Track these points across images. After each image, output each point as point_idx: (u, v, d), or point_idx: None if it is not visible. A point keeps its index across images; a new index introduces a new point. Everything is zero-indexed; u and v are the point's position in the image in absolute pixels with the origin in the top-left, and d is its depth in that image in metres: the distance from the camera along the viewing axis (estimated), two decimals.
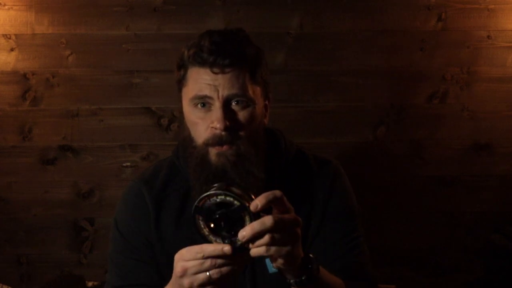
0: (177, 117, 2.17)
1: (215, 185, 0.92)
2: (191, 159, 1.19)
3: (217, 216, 0.90)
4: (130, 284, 1.22)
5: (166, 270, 1.22)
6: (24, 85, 2.18)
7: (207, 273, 0.91)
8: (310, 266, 1.01)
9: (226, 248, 0.90)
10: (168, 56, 2.14)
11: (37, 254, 2.21)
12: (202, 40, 1.15)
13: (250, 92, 1.15)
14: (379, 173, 2.23)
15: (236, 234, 0.89)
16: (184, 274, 0.93)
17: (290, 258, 0.95)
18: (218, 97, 1.13)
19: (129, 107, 2.20)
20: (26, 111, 2.18)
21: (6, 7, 2.16)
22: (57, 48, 2.17)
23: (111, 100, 2.19)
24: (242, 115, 1.15)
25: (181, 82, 1.20)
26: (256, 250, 0.91)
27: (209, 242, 0.92)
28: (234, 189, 0.91)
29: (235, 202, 0.89)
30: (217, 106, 1.13)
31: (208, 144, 1.15)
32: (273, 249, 0.91)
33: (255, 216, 0.89)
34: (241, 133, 1.15)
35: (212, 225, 0.91)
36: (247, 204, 0.89)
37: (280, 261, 0.95)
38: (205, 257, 0.91)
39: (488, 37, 2.21)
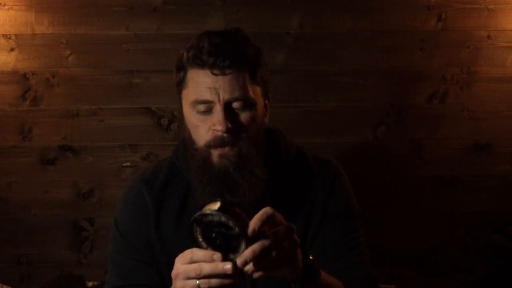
0: (177, 117, 2.17)
1: (218, 200, 0.91)
2: (192, 161, 1.19)
3: (214, 233, 0.90)
4: (130, 284, 1.22)
5: (166, 270, 1.21)
6: (24, 85, 2.18)
7: (197, 282, 0.90)
8: (310, 268, 1.01)
9: (227, 267, 0.88)
10: (168, 56, 2.14)
11: (37, 254, 2.21)
12: (200, 41, 1.15)
13: (251, 93, 1.15)
14: (379, 173, 2.23)
15: (230, 251, 0.89)
16: (176, 276, 0.93)
17: (291, 266, 0.95)
18: (219, 100, 1.13)
19: (129, 107, 2.20)
20: (26, 111, 2.18)
21: (6, 7, 2.16)
22: (57, 48, 2.17)
23: (111, 100, 2.19)
24: (243, 116, 1.15)
25: (180, 84, 1.19)
26: (258, 274, 0.91)
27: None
28: (236, 211, 0.90)
29: (236, 228, 0.88)
30: (218, 108, 1.13)
31: (210, 146, 1.15)
32: (275, 266, 0.92)
33: (251, 240, 0.89)
34: (243, 134, 1.15)
35: (208, 238, 0.91)
36: (246, 230, 0.89)
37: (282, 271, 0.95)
38: (194, 262, 0.91)
39: (488, 37, 2.21)
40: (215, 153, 1.15)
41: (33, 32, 2.17)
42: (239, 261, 0.88)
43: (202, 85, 1.14)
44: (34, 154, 2.19)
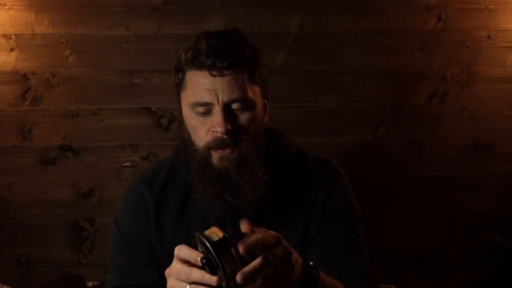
0: (177, 117, 2.17)
1: (223, 231, 0.89)
2: (193, 162, 1.19)
3: (205, 259, 0.88)
4: (130, 284, 1.22)
5: (165, 269, 1.22)
6: (24, 85, 2.18)
7: (187, 286, 0.90)
8: (310, 276, 1.00)
9: (213, 279, 0.86)
10: (168, 56, 2.14)
11: (37, 254, 2.21)
12: (198, 42, 1.14)
13: (250, 93, 1.15)
14: (379, 173, 2.23)
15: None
16: (169, 275, 0.93)
17: (286, 278, 0.93)
18: (218, 102, 1.13)
19: (129, 107, 2.20)
20: (26, 111, 2.18)
21: (6, 7, 2.16)
22: (57, 48, 2.17)
23: (111, 100, 2.19)
24: (243, 117, 1.15)
25: (179, 86, 1.19)
26: None
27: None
28: (230, 253, 0.87)
29: (218, 273, 0.86)
30: (217, 110, 1.13)
31: (210, 147, 1.15)
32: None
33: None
34: (243, 135, 1.15)
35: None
36: (228, 277, 0.86)
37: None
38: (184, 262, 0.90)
39: (488, 37, 2.21)
40: (215, 156, 1.15)
41: (33, 32, 2.17)
42: (239, 278, 0.85)
43: (201, 87, 1.13)
44: (34, 154, 2.19)
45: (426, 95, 2.23)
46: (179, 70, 1.18)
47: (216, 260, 0.86)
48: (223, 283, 0.86)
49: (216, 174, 1.15)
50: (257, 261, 0.86)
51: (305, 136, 2.20)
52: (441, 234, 2.25)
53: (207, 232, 0.89)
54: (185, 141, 1.24)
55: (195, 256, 0.88)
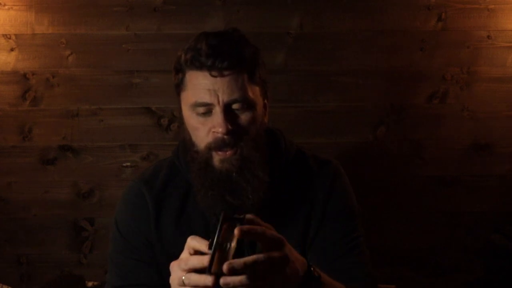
0: (177, 117, 2.17)
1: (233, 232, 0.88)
2: (194, 164, 1.19)
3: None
4: (130, 284, 1.22)
5: (166, 270, 1.21)
6: (24, 85, 2.18)
7: (183, 277, 0.89)
8: (312, 277, 1.00)
9: (208, 280, 0.85)
10: (168, 56, 2.14)
11: (37, 254, 2.21)
12: (198, 43, 1.14)
13: (250, 93, 1.15)
14: (379, 173, 2.23)
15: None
16: (172, 266, 0.93)
17: (285, 280, 0.93)
18: (219, 102, 1.13)
19: (129, 107, 2.20)
20: (26, 111, 2.18)
21: (6, 7, 2.16)
22: (57, 48, 2.17)
23: (111, 100, 2.19)
24: (243, 117, 1.15)
25: (179, 86, 1.19)
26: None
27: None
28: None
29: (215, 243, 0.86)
30: (217, 110, 1.13)
31: (210, 148, 1.15)
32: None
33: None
34: (244, 136, 1.15)
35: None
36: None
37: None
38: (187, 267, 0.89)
39: (488, 37, 2.21)
40: (217, 157, 1.15)
41: (33, 32, 2.17)
42: (225, 267, 0.84)
43: (201, 87, 1.13)
44: (34, 154, 2.19)
45: (426, 95, 2.23)
46: (179, 70, 1.18)
47: (213, 241, 0.85)
48: (208, 266, 0.85)
49: (217, 176, 1.15)
50: (250, 258, 0.85)
51: (305, 136, 2.20)
52: (441, 234, 2.25)
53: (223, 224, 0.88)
54: (185, 142, 1.23)
55: (205, 244, 0.88)
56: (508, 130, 2.23)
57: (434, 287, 2.25)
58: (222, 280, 0.84)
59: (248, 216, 0.90)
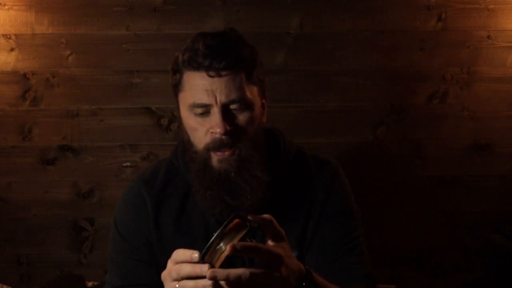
0: (177, 117, 2.17)
1: (245, 228, 0.88)
2: (192, 164, 1.19)
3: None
4: (130, 284, 1.22)
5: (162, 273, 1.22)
6: (24, 85, 2.18)
7: (176, 285, 0.89)
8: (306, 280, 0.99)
9: (195, 255, 0.86)
10: (168, 56, 2.10)
11: (37, 254, 2.21)
12: (195, 43, 1.14)
13: (248, 93, 1.15)
14: (379, 173, 2.23)
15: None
16: (165, 278, 0.93)
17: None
18: (216, 103, 1.13)
19: (129, 107, 2.20)
20: (26, 111, 2.18)
21: (6, 7, 2.16)
22: (57, 48, 2.17)
23: (111, 100, 2.19)
24: (241, 118, 1.15)
25: (177, 87, 1.19)
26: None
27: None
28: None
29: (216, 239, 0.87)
30: (215, 111, 1.13)
31: (209, 148, 1.15)
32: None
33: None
34: (242, 136, 1.15)
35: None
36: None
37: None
38: (177, 262, 0.89)
39: (488, 37, 2.21)
40: (215, 158, 1.15)
41: (33, 32, 2.17)
42: (208, 274, 0.85)
43: (199, 88, 1.13)
44: (34, 154, 2.19)
45: (426, 95, 2.23)
46: (177, 71, 1.18)
47: (212, 239, 0.86)
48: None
49: (216, 177, 1.15)
50: (233, 272, 0.85)
51: (305, 136, 2.20)
52: (441, 234, 2.25)
53: (230, 222, 0.88)
54: (184, 142, 1.23)
55: (190, 254, 0.88)
56: (508, 130, 2.23)
57: (434, 287, 2.25)
58: (209, 273, 0.84)
59: (266, 216, 0.90)
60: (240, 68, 1.14)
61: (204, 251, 0.86)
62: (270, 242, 0.92)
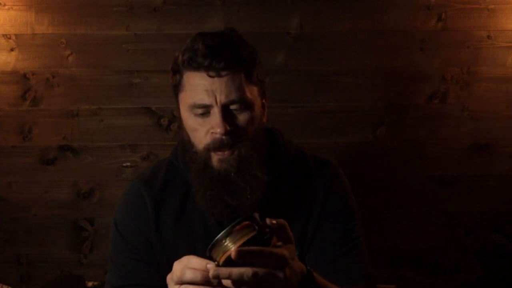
0: (177, 117, 2.16)
1: (255, 229, 0.88)
2: (192, 164, 1.19)
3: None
4: (130, 284, 1.22)
5: (165, 270, 1.21)
6: (24, 85, 2.18)
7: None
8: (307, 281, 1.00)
9: (210, 265, 0.86)
10: (168, 56, 2.10)
11: (37, 254, 2.21)
12: (195, 43, 1.14)
13: (248, 94, 1.15)
14: (379, 173, 2.23)
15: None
16: (169, 281, 0.93)
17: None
18: (216, 103, 1.13)
19: (129, 107, 2.20)
20: (26, 111, 2.18)
21: (6, 7, 2.16)
22: (57, 48, 2.18)
23: (111, 100, 2.19)
24: (241, 118, 1.15)
25: (177, 87, 1.19)
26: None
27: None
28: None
29: (223, 239, 0.87)
30: (215, 111, 1.13)
31: (209, 149, 1.15)
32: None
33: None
34: (242, 136, 1.15)
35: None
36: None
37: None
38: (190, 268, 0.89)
39: (488, 37, 2.21)
40: (215, 157, 1.15)
41: (33, 32, 2.17)
42: (211, 272, 0.85)
43: (199, 88, 1.13)
44: (34, 154, 2.19)
45: (426, 95, 2.23)
46: (176, 71, 1.18)
47: (217, 236, 0.86)
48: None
49: (216, 177, 1.15)
50: (236, 270, 0.85)
51: (305, 136, 2.20)
52: (441, 234, 2.25)
53: (240, 222, 0.88)
54: (184, 142, 1.23)
55: (205, 263, 0.88)
56: (508, 130, 2.23)
57: (434, 287, 2.25)
58: (212, 272, 0.85)
59: (280, 220, 0.90)
60: (240, 68, 1.14)
61: (209, 247, 0.87)
62: (277, 244, 0.92)
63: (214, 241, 0.87)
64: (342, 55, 2.20)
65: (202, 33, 1.17)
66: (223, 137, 1.13)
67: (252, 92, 1.16)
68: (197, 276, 0.88)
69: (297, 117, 2.20)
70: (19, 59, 2.17)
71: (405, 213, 2.24)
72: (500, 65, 2.22)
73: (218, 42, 1.14)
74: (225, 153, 1.15)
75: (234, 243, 0.86)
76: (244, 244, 0.86)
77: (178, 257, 1.20)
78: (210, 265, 0.87)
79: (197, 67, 1.13)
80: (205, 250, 0.88)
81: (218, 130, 1.12)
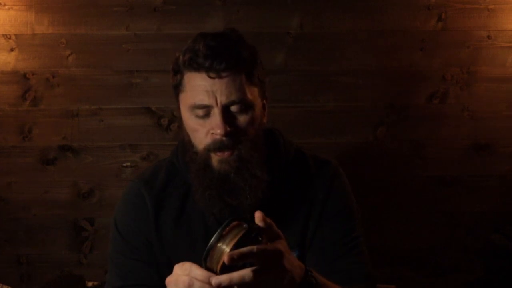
0: (177, 117, 2.17)
1: (244, 227, 0.89)
2: (192, 164, 1.19)
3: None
4: (130, 284, 1.22)
5: (165, 270, 1.21)
6: (24, 85, 2.18)
7: None
8: (308, 284, 1.00)
9: (212, 280, 0.86)
10: (168, 56, 2.11)
11: (37, 254, 2.21)
12: (196, 44, 1.14)
13: (248, 94, 1.15)
14: (379, 173, 2.23)
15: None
16: (169, 283, 0.93)
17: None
18: (217, 104, 1.12)
19: (129, 107, 2.20)
20: (26, 111, 2.18)
21: (6, 7, 2.16)
22: (57, 48, 2.18)
23: (111, 100, 2.19)
24: (241, 119, 1.15)
25: (177, 88, 1.19)
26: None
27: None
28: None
29: (217, 242, 0.88)
30: (216, 112, 1.13)
31: (209, 149, 1.15)
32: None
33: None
34: (242, 137, 1.15)
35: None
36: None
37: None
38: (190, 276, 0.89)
39: (488, 37, 2.21)
40: (215, 158, 1.15)
41: (33, 32, 2.17)
42: (213, 282, 0.86)
43: (199, 89, 1.13)
44: (34, 154, 2.20)
45: (426, 95, 2.23)
46: (177, 72, 1.18)
47: (210, 242, 0.86)
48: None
49: (216, 177, 1.15)
50: (239, 274, 0.85)
51: (305, 136, 2.20)
52: (441, 234, 2.25)
53: (231, 222, 0.89)
54: (184, 142, 1.23)
55: (208, 276, 0.88)
56: (508, 130, 2.23)
57: (434, 287, 2.25)
58: (213, 282, 0.86)
59: (266, 221, 0.90)
60: (240, 69, 1.14)
61: (204, 256, 0.87)
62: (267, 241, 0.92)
63: (207, 249, 0.87)
64: (342, 55, 2.20)
65: (203, 34, 1.17)
66: (223, 138, 1.13)
67: (252, 93, 1.16)
68: None
69: (297, 117, 2.20)
70: (19, 59, 2.17)
71: (405, 213, 2.24)
72: (500, 65, 2.22)
73: (219, 43, 1.13)
74: (225, 153, 1.14)
75: (227, 245, 0.87)
76: (237, 244, 0.86)
77: (178, 257, 1.20)
78: (214, 281, 0.87)
79: (197, 68, 1.13)
80: (205, 249, 0.88)
81: (218, 131, 1.12)
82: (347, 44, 2.21)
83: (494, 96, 2.23)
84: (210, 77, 1.12)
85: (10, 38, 2.17)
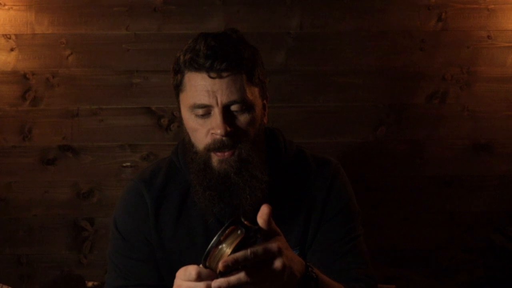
0: (177, 117, 2.17)
1: (240, 230, 0.89)
2: (193, 164, 1.19)
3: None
4: (130, 284, 1.22)
5: (165, 269, 1.22)
6: (24, 85, 2.18)
7: None
8: (309, 278, 1.00)
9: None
10: (168, 56, 2.14)
11: (37, 254, 2.21)
12: (197, 44, 1.14)
13: (249, 95, 1.15)
14: (379, 173, 2.23)
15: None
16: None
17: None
18: (217, 104, 1.12)
19: (129, 107, 2.20)
20: (26, 111, 2.18)
21: (6, 7, 2.16)
22: (57, 48, 2.18)
23: (111, 100, 2.19)
24: (242, 119, 1.15)
25: (178, 88, 1.19)
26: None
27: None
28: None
29: (218, 244, 0.88)
30: (216, 112, 1.13)
31: (209, 149, 1.15)
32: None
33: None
34: (242, 137, 1.15)
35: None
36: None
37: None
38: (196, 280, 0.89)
39: (488, 37, 2.21)
40: (215, 158, 1.15)
41: (33, 32, 2.17)
42: (212, 285, 0.86)
43: (200, 89, 1.13)
44: (34, 154, 2.20)
45: (426, 95, 2.23)
46: (178, 72, 1.18)
47: (210, 244, 0.87)
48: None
49: (216, 177, 1.15)
50: (235, 276, 0.86)
51: (305, 136, 2.20)
52: (441, 234, 2.25)
53: (229, 227, 0.89)
54: (184, 142, 1.23)
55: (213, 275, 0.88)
56: (508, 130, 2.23)
57: (434, 287, 2.25)
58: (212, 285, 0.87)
59: (262, 211, 0.90)
60: (241, 69, 1.14)
61: (204, 257, 0.87)
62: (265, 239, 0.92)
63: (207, 250, 0.87)
64: (342, 55, 2.20)
65: (204, 34, 1.17)
66: (223, 138, 1.13)
67: (253, 93, 1.16)
68: None
69: (297, 117, 2.20)
70: (19, 59, 2.17)
71: (405, 213, 2.24)
72: (500, 65, 2.22)
73: (220, 43, 1.13)
74: (225, 154, 1.14)
75: (227, 247, 0.87)
76: (237, 246, 0.87)
77: (178, 256, 1.20)
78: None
79: (198, 68, 1.13)
80: (205, 250, 0.88)
81: (219, 131, 1.12)
82: (347, 44, 2.21)
83: (494, 96, 2.23)
84: (211, 77, 1.12)
85: (10, 38, 2.17)
